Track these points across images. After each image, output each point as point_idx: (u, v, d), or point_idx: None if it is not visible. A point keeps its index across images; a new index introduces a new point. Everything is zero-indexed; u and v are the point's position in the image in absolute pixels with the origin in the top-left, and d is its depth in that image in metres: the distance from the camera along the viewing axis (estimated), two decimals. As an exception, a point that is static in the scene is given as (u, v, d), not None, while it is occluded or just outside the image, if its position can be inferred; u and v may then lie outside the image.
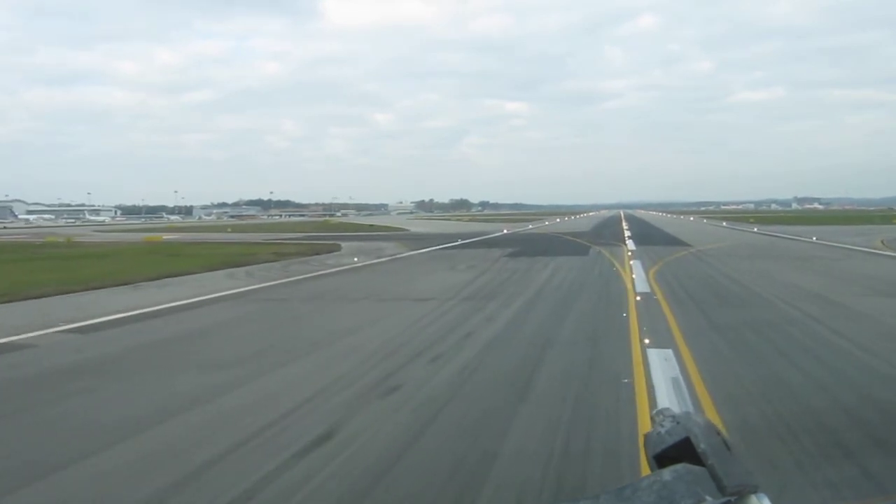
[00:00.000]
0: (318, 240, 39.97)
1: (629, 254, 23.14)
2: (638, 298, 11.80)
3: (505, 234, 45.83)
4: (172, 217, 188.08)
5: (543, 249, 26.91)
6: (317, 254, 26.72)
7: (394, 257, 24.73)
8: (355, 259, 23.38)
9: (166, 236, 50.36)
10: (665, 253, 23.55)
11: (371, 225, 72.17)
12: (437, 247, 30.32)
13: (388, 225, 72.44)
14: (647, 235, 39.63)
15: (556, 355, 7.49)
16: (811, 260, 20.45)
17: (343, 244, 34.27)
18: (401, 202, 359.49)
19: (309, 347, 8.19)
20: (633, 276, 15.76)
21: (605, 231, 47.93)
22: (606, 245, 28.73)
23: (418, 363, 7.12)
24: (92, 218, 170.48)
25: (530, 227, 62.94)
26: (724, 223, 64.56)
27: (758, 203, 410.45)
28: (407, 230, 59.61)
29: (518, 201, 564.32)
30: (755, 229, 46.84)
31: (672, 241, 32.72)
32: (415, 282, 15.90)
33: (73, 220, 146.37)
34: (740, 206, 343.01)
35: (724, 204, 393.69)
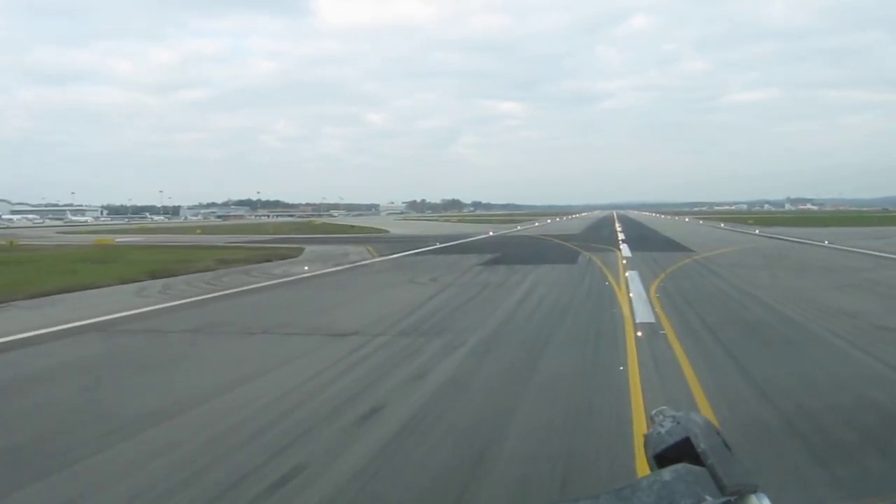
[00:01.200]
0: (283, 243, 36.62)
1: (624, 262, 19.83)
2: (639, 334, 8.47)
3: (489, 236, 42.51)
4: (157, 217, 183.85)
5: (526, 256, 23.60)
6: (268, 260, 23.31)
7: (353, 265, 21.36)
8: (306, 268, 20.03)
9: (129, 238, 46.91)
10: (665, 261, 20.25)
11: (352, 226, 68.79)
12: (409, 252, 26.98)
13: (371, 226, 69.10)
14: (643, 238, 36.35)
15: (499, 477, 4.12)
16: (840, 271, 17.19)
17: (307, 248, 30.98)
18: (392, 202, 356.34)
19: (87, 445, 4.80)
20: (631, 294, 12.44)
21: (598, 233, 44.67)
22: (598, 250, 25.43)
23: (250, 490, 3.76)
24: (74, 218, 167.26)
25: (518, 228, 59.72)
26: (722, 224, 61.44)
27: (750, 204, 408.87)
28: (387, 232, 56.33)
29: (511, 202, 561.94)
30: (756, 231, 43.70)
31: (671, 245, 29.44)
32: (353, 303, 12.51)
33: (57, 220, 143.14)
34: (733, 207, 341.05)
35: (717, 205, 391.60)
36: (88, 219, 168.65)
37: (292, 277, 17.58)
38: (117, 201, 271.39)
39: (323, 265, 21.41)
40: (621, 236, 37.90)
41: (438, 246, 31.02)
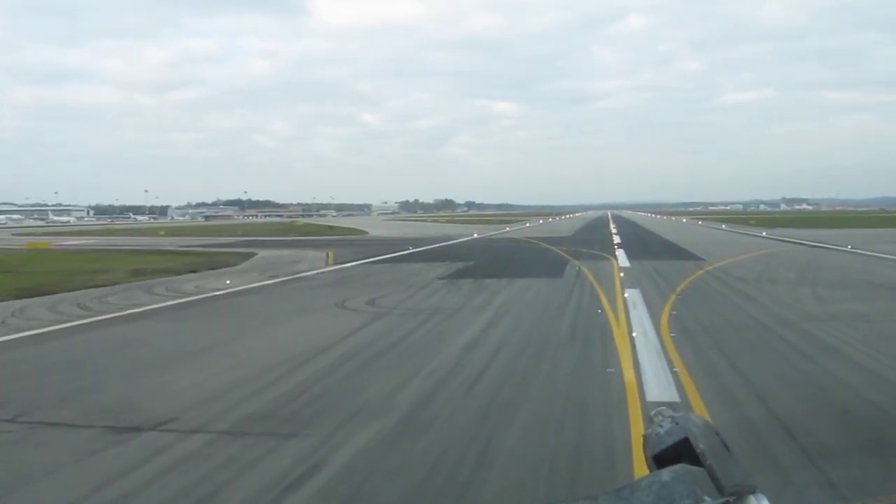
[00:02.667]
0: (238, 247, 32.78)
1: (621, 275, 16.00)
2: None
3: (472, 238, 38.65)
4: (140, 217, 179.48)
5: (503, 266, 19.78)
6: (194, 271, 19.41)
7: (292, 278, 17.48)
8: (228, 282, 16.23)
9: (74, 241, 42.92)
10: (672, 273, 16.45)
11: (332, 227, 64.93)
12: (372, 259, 23.19)
13: (352, 227, 65.22)
14: (641, 243, 32.53)
15: None
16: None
17: (260, 254, 27.18)
18: (385, 202, 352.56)
19: None
20: (634, 333, 8.58)
21: (591, 236, 40.86)
22: (590, 258, 21.61)
23: None
24: (56, 218, 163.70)
25: (507, 229, 55.94)
26: (724, 226, 57.80)
27: (746, 204, 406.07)
28: (366, 233, 52.51)
29: (505, 202, 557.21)
30: (763, 233, 39.97)
31: (674, 251, 25.64)
32: (225, 347, 8.59)
33: (40, 220, 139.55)
34: (728, 207, 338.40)
35: (712, 205, 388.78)
36: (71, 219, 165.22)
37: (197, 296, 13.72)
38: (107, 201, 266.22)
39: (256, 277, 17.57)
40: (616, 239, 34.10)
41: (410, 251, 27.20)
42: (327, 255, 26.11)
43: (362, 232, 55.48)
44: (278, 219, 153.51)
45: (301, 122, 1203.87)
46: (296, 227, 72.10)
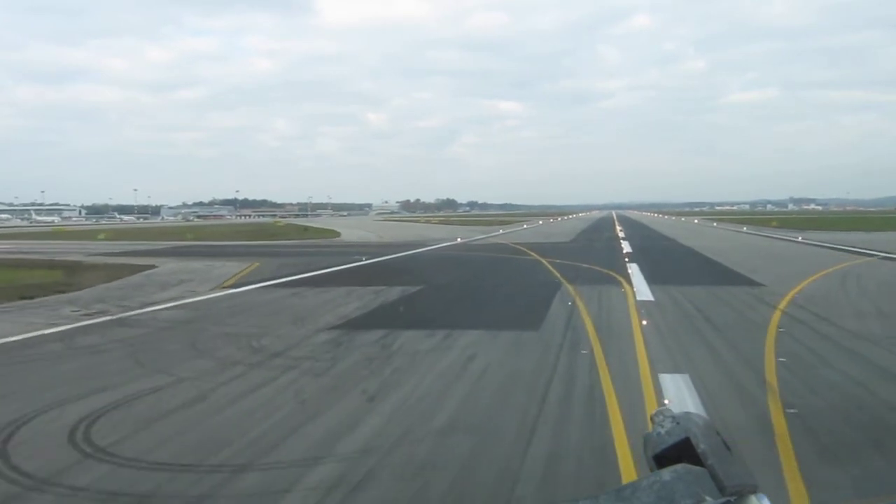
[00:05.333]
0: (151, 256, 26.26)
1: (643, 323, 9.29)
2: None
3: (450, 245, 31.97)
4: (126, 217, 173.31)
5: (455, 298, 13.09)
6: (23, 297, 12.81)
7: (114, 318, 10.86)
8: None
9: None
10: (730, 317, 9.82)
11: (306, 229, 58.39)
12: (289, 278, 16.83)
13: (331, 229, 58.73)
14: (658, 252, 25.76)
15: None
16: None
17: (162, 267, 20.86)
18: (386, 202, 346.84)
19: None
20: None
21: (594, 242, 34.12)
22: (592, 280, 14.97)
23: None
24: (39, 218, 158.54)
25: (500, 231, 49.28)
26: (745, 228, 50.99)
27: (752, 204, 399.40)
28: (338, 237, 45.96)
29: (508, 201, 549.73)
30: (800, 238, 33.19)
31: (708, 267, 18.92)
32: None
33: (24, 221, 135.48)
34: (735, 207, 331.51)
35: (718, 205, 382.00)
36: (55, 219, 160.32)
37: None
38: (106, 201, 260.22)
39: (65, 316, 11.04)
40: (626, 247, 27.34)
41: (358, 264, 20.84)
42: (241, 270, 19.70)
43: (335, 235, 49.00)
44: (267, 219, 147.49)
45: (304, 122, 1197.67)
46: (275, 228, 65.89)
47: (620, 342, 8.08)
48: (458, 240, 36.49)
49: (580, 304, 11.00)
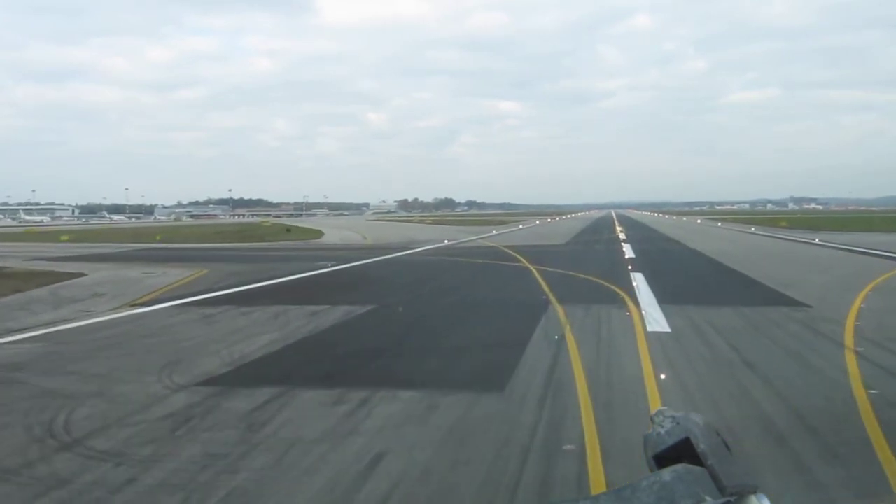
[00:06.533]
0: (96, 261, 23.38)
1: (661, 377, 6.32)
2: None
3: (433, 248, 28.98)
4: (116, 217, 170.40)
5: (405, 330, 9.98)
6: None
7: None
8: None
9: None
10: (778, 357, 6.88)
11: (288, 230, 55.33)
12: (229, 290, 14.07)
13: (316, 229, 55.88)
14: (666, 258, 22.75)
15: None
16: None
17: (92, 275, 18.13)
18: (384, 201, 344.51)
19: None
20: None
21: (592, 245, 31.14)
22: (588, 299, 12.00)
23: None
24: (27, 218, 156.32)
25: (493, 232, 46.35)
26: (753, 228, 48.04)
27: (752, 203, 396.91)
28: (320, 238, 43.00)
29: (507, 201, 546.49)
30: (817, 240, 30.25)
31: (728, 277, 15.93)
32: None
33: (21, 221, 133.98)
34: (735, 207, 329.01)
35: (718, 204, 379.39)
36: (45, 218, 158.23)
37: None
38: (98, 200, 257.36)
39: None
40: (628, 251, 24.36)
41: (321, 272, 18.10)
42: (177, 280, 16.83)
43: (318, 236, 46.07)
44: (260, 218, 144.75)
45: (304, 122, 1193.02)
46: (262, 228, 63.00)
47: (627, 419, 5.10)
48: (446, 242, 33.56)
49: (570, 341, 8.01)
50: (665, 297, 11.54)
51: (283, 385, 6.20)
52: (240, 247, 34.10)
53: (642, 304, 10.83)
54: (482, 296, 12.96)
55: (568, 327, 8.90)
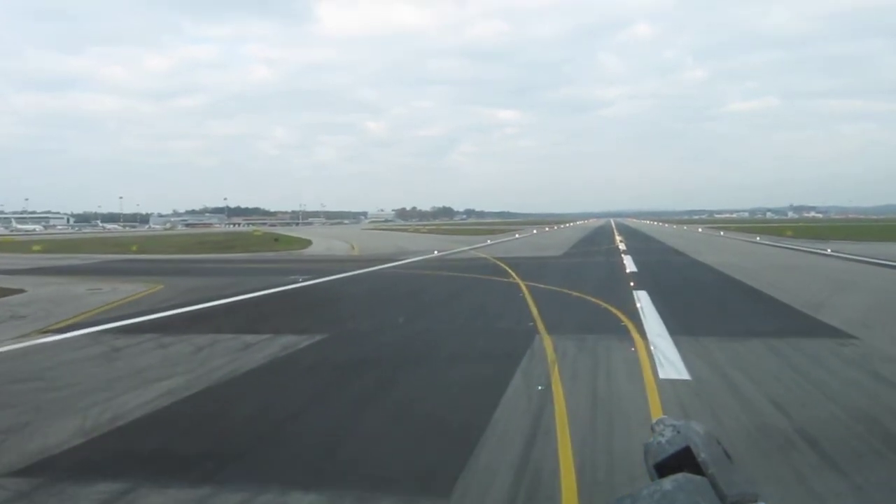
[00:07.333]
0: (49, 274, 21.54)
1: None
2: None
3: (419, 260, 27.04)
4: (109, 226, 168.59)
5: (358, 362, 7.95)
6: None
7: None
8: None
9: None
10: (837, 420, 4.85)
11: (276, 239, 53.43)
12: (162, 314, 12.09)
13: (306, 239, 53.99)
14: (671, 272, 20.73)
15: None
16: None
17: (30, 292, 16.45)
18: (382, 210, 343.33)
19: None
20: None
21: (591, 257, 29.18)
22: (585, 326, 10.06)
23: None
24: (20, 226, 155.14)
25: (488, 242, 44.47)
26: (758, 238, 46.10)
27: (752, 211, 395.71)
28: (306, 248, 41.05)
29: (506, 209, 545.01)
30: (829, 250, 28.33)
31: (745, 297, 13.88)
32: None
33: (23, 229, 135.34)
34: (734, 215, 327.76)
35: (718, 212, 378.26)
36: (37, 227, 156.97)
37: None
38: (95, 209, 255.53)
39: None
40: (629, 264, 22.37)
41: (291, 287, 16.27)
42: (124, 298, 14.97)
43: (305, 245, 44.14)
44: (250, 227, 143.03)
45: (303, 130, 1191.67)
46: (252, 237, 61.17)
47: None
48: (436, 252, 31.65)
49: (557, 394, 6.01)
50: (676, 325, 9.55)
51: (130, 477, 4.20)
52: (215, 258, 32.14)
53: (649, 335, 8.84)
54: (459, 323, 10.93)
55: (555, 371, 6.91)
